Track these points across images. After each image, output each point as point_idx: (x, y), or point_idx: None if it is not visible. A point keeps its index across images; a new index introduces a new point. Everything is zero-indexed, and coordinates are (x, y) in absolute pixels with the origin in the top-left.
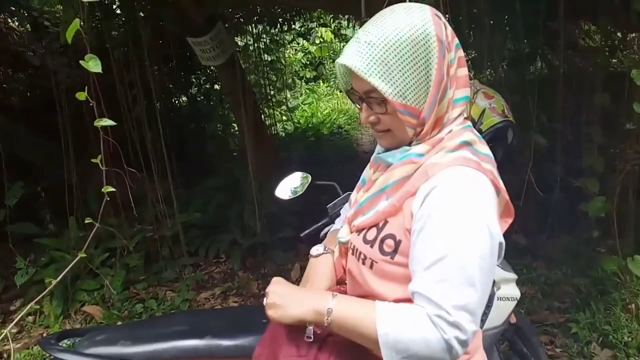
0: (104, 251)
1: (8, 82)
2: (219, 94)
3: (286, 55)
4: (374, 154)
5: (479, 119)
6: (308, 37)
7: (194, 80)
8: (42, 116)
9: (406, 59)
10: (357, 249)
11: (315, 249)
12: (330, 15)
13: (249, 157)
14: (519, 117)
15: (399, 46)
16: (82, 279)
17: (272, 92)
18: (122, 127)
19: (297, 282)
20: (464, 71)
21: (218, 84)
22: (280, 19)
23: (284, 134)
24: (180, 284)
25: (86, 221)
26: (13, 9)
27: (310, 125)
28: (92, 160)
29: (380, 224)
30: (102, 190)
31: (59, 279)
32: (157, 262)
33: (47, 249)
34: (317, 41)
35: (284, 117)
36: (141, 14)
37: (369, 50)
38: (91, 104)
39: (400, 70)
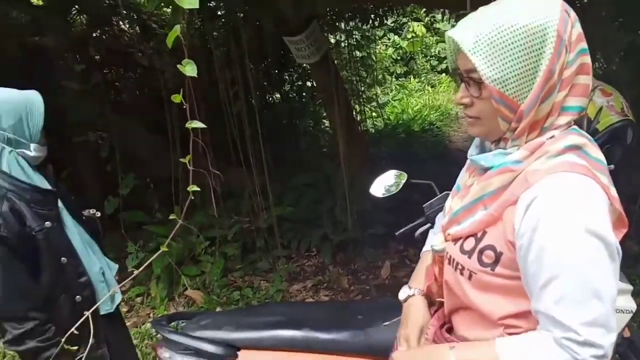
0: (205, 239)
1: (120, 81)
2: (311, 91)
3: (377, 51)
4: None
5: (595, 118)
6: (399, 32)
7: (286, 77)
8: (151, 113)
9: (517, 46)
10: (453, 259)
11: (403, 292)
12: (424, 10)
13: (340, 153)
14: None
15: (513, 31)
16: (185, 264)
17: (362, 89)
18: (222, 123)
19: (386, 280)
20: (585, 80)
21: (310, 81)
22: (372, 15)
23: (373, 131)
24: (273, 274)
25: (170, 217)
26: (124, 12)
27: (400, 121)
28: (181, 160)
29: (479, 234)
30: (188, 189)
31: (143, 267)
32: (253, 252)
33: (154, 236)
34: (409, 36)
35: (374, 114)
36: (240, 14)
37: (480, 28)
38: (184, 107)
39: (506, 56)
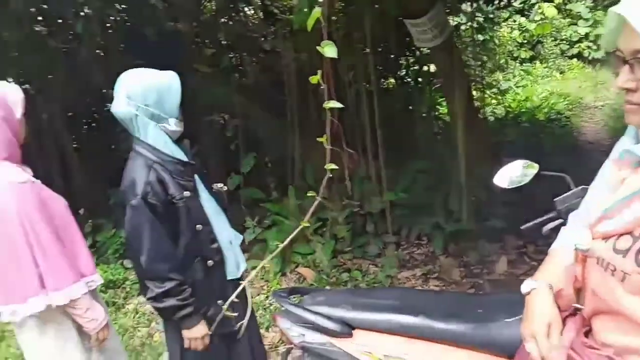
0: (316, 220)
1: (244, 65)
2: (427, 76)
3: (500, 34)
4: (616, 149)
5: None
6: (527, 13)
7: (403, 62)
8: (271, 96)
9: None
10: (603, 259)
11: (526, 285)
12: None
13: (459, 140)
14: None
15: None
16: (298, 242)
17: (482, 74)
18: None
19: (502, 276)
20: None
21: (427, 66)
22: None
23: (493, 118)
24: (382, 259)
25: (308, 194)
26: None
27: (523, 109)
28: (318, 139)
29: (637, 232)
30: (325, 167)
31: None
32: (362, 236)
33: (270, 213)
34: (537, 18)
35: (494, 101)
36: None
37: None
38: (322, 87)
39: None
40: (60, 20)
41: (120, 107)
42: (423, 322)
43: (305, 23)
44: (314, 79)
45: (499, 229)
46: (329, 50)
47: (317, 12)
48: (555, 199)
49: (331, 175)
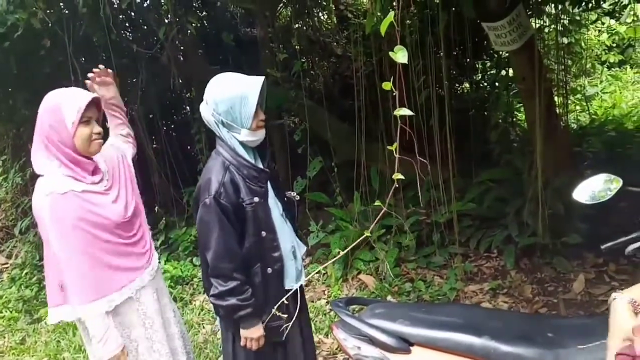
0: (380, 227)
1: (314, 69)
2: (505, 81)
3: (587, 37)
4: None
5: None
6: (617, 15)
7: (478, 66)
8: (340, 100)
9: None
10: None
11: (611, 297)
12: None
13: (537, 149)
14: None
15: None
16: (361, 249)
17: (566, 79)
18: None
19: (579, 295)
20: None
21: (505, 70)
22: None
23: (575, 126)
24: (448, 271)
25: (376, 203)
26: (324, 3)
27: (610, 117)
28: (389, 147)
29: None
30: (393, 177)
31: (346, 251)
32: (428, 246)
33: (334, 218)
34: (629, 20)
35: (578, 107)
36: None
37: None
38: (394, 94)
39: None
40: (145, 27)
41: (202, 109)
42: (487, 343)
43: (376, 27)
44: (387, 86)
45: (577, 245)
46: (401, 55)
47: (390, 16)
48: None
49: (397, 186)
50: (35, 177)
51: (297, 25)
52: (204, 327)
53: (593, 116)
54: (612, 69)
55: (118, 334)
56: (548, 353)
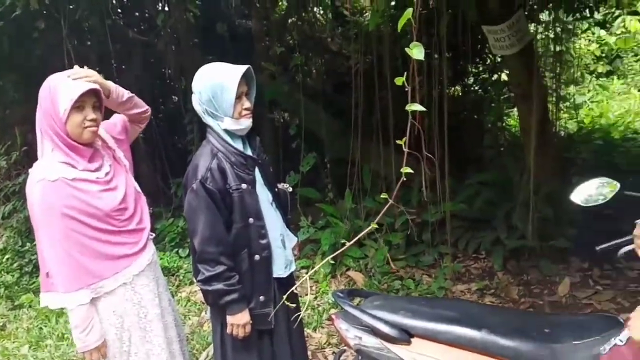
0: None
1: (309, 65)
2: (499, 85)
3: (577, 46)
4: None
5: None
6: (607, 26)
7: (471, 70)
8: (334, 96)
9: None
10: None
11: None
12: None
13: (530, 154)
14: None
15: None
16: (350, 246)
17: (556, 86)
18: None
19: (563, 298)
20: None
21: (498, 74)
22: (581, 6)
23: (564, 134)
24: (437, 270)
25: (382, 196)
26: None
27: (597, 126)
28: (397, 141)
29: None
30: (401, 170)
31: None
32: (417, 245)
33: (324, 214)
34: (618, 31)
35: (566, 115)
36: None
37: None
38: (406, 89)
39: None
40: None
41: (192, 99)
42: (486, 337)
43: (379, 24)
44: (399, 81)
45: (564, 250)
46: (417, 52)
47: (408, 12)
48: (637, 221)
49: (405, 179)
50: (20, 161)
51: (292, 20)
52: (189, 319)
53: (581, 124)
54: (600, 78)
55: (100, 327)
56: (544, 347)
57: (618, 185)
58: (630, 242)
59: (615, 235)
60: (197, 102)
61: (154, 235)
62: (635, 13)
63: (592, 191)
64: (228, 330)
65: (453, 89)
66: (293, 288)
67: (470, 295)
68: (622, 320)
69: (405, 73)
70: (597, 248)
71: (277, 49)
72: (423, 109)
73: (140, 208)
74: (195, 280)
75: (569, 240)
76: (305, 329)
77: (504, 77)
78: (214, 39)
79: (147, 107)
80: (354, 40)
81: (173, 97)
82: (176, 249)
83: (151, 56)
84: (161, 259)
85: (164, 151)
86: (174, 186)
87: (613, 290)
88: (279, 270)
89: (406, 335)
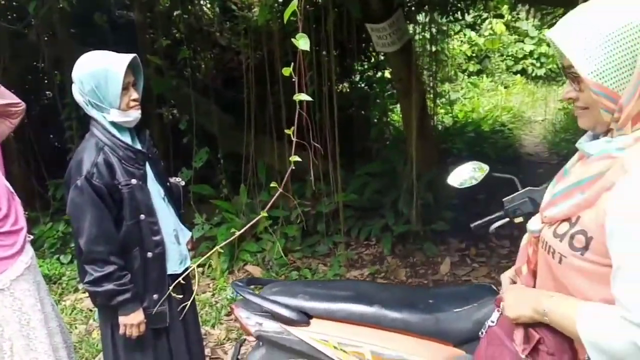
0: (267, 219)
1: (197, 59)
2: (382, 82)
3: (451, 47)
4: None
5: None
6: (477, 28)
7: (357, 67)
8: (226, 92)
9: (611, 41)
10: (546, 242)
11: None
12: (508, 7)
13: (412, 145)
14: None
15: (608, 26)
16: (247, 241)
17: (433, 83)
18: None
19: (445, 276)
20: None
21: (381, 72)
22: (453, 8)
23: (441, 127)
24: (332, 259)
25: (271, 185)
26: None
27: (469, 120)
28: (286, 131)
29: (573, 219)
30: (290, 159)
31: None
32: (312, 235)
33: (219, 210)
34: (486, 33)
35: (442, 110)
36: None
37: (574, 22)
38: (293, 80)
39: (601, 50)
40: (3, 1)
41: (73, 89)
42: (378, 312)
43: (266, 19)
44: (287, 71)
45: (443, 232)
46: (303, 42)
47: (293, 4)
48: (504, 199)
49: (293, 168)
50: None
51: (177, 12)
52: (76, 328)
53: (455, 119)
54: (471, 77)
55: None
56: (430, 317)
57: (487, 168)
58: (500, 218)
59: (487, 214)
60: (79, 92)
61: (32, 237)
62: (500, 16)
63: (465, 174)
64: (121, 331)
65: (341, 85)
66: (180, 279)
67: (363, 280)
68: (495, 289)
69: (292, 64)
70: (472, 225)
71: (162, 41)
72: (310, 99)
73: (14, 208)
74: (82, 283)
75: (447, 223)
76: (203, 326)
77: (387, 74)
78: (93, 29)
79: (19, 100)
80: (244, 35)
81: (47, 92)
82: (57, 255)
83: (23, 46)
84: (41, 266)
85: (38, 150)
86: (52, 188)
87: (487, 267)
88: (174, 266)
89: (305, 317)
